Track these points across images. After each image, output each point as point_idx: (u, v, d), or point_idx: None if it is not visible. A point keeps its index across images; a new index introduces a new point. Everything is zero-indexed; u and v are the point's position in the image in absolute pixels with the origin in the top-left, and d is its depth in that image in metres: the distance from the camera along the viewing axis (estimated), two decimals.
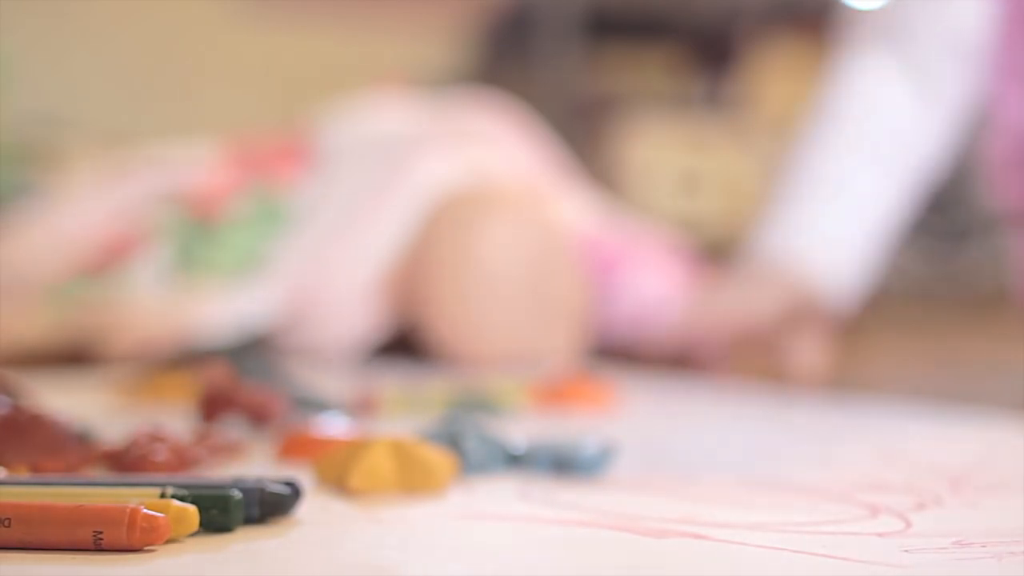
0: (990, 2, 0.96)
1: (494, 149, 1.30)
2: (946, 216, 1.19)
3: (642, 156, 2.56)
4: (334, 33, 2.89)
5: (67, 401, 0.76)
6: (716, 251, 1.90)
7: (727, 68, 2.76)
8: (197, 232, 1.21)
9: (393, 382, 0.96)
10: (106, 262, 1.20)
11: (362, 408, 0.78)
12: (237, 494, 0.45)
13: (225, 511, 0.45)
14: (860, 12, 1.01)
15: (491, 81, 2.28)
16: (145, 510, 0.42)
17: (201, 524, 0.44)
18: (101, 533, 0.41)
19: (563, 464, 0.59)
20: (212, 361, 0.86)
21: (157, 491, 0.45)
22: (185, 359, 1.02)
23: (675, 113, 2.66)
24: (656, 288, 1.29)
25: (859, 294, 0.93)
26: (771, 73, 2.67)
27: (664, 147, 2.57)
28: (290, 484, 0.48)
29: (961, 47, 0.96)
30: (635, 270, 1.28)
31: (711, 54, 2.77)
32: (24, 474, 0.53)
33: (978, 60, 0.96)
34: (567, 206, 1.32)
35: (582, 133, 2.50)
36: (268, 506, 0.47)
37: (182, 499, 0.45)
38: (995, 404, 0.87)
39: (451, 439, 0.59)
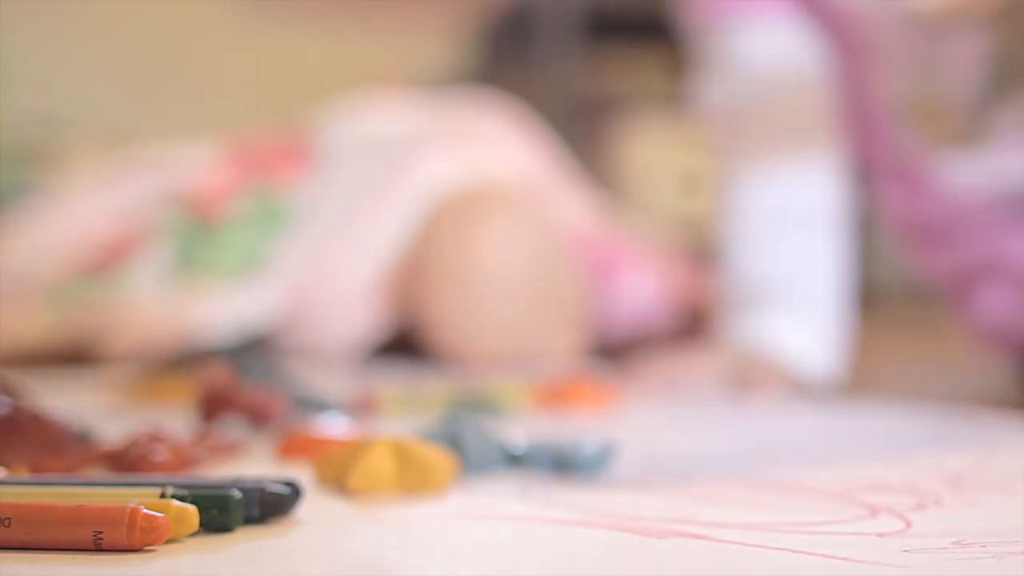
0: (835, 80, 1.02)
1: (494, 149, 1.30)
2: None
3: (642, 156, 2.56)
4: (334, 33, 2.88)
5: (67, 401, 0.76)
6: (716, 251, 1.90)
7: None
8: (197, 232, 1.21)
9: (393, 382, 0.96)
10: (106, 262, 1.20)
11: (362, 408, 0.78)
12: (237, 494, 0.45)
13: (225, 511, 0.45)
14: (709, 116, 1.07)
15: (491, 81, 2.28)
16: (145, 510, 0.42)
17: (201, 524, 0.44)
18: (101, 533, 0.41)
19: (563, 464, 0.59)
20: (212, 361, 0.86)
21: (157, 491, 0.45)
22: (185, 359, 1.02)
23: (675, 113, 2.65)
24: (655, 288, 1.29)
25: (839, 364, 0.99)
26: None
27: (664, 147, 2.57)
28: (290, 484, 0.48)
29: (816, 113, 1.02)
30: (635, 270, 1.28)
31: None
32: (24, 474, 0.53)
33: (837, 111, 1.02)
34: (567, 206, 1.32)
35: (582, 133, 2.50)
36: (268, 506, 0.47)
37: (182, 499, 0.44)
38: (995, 404, 0.87)
39: (451, 439, 0.59)
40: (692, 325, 1.27)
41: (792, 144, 1.00)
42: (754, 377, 0.96)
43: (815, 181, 1.01)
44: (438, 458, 0.55)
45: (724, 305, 1.03)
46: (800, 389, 0.96)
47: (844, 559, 0.43)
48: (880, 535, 0.47)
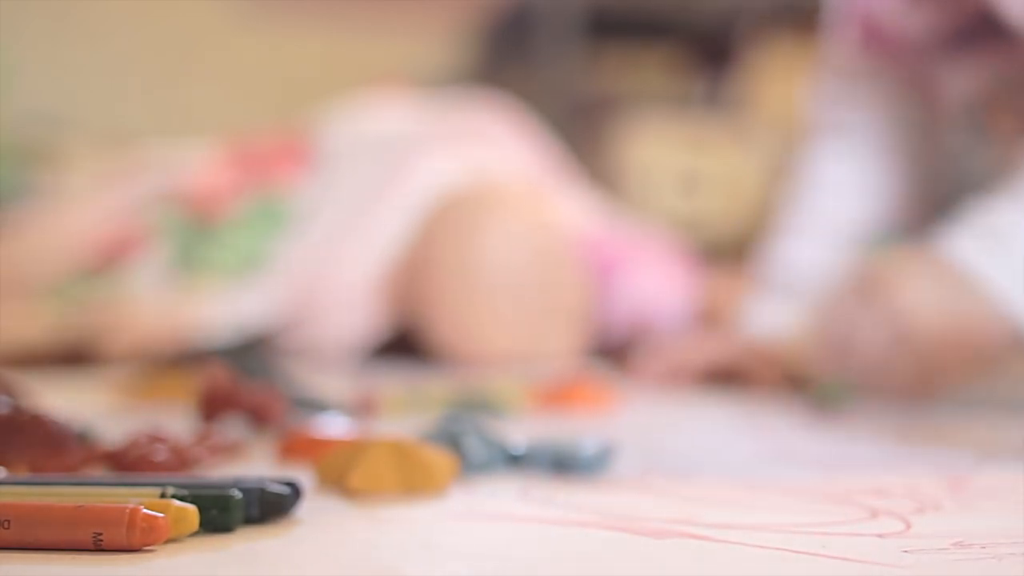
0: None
1: (494, 149, 1.30)
2: (947, 215, 1.21)
3: (642, 156, 2.56)
4: (334, 33, 2.88)
5: (67, 401, 0.76)
6: (716, 251, 1.90)
7: (727, 68, 2.76)
8: (197, 232, 1.21)
9: (393, 382, 0.96)
10: (106, 262, 1.20)
11: (362, 408, 0.78)
12: (237, 494, 0.45)
13: (225, 511, 0.45)
14: (809, 107, 1.10)
15: (491, 81, 2.28)
16: (145, 510, 0.42)
17: (201, 524, 0.44)
18: (101, 533, 0.41)
19: (563, 464, 0.59)
20: (212, 361, 0.86)
21: (157, 491, 0.45)
22: (185, 359, 1.02)
23: (675, 113, 2.66)
24: (656, 288, 1.29)
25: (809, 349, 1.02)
26: (771, 73, 2.66)
27: (664, 147, 2.57)
28: (290, 484, 0.48)
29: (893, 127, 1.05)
30: (635, 270, 1.28)
31: (711, 54, 2.76)
32: (24, 474, 0.53)
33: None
34: (567, 206, 1.32)
35: (582, 133, 2.50)
36: (268, 506, 0.47)
37: (182, 499, 0.44)
38: (995, 405, 0.87)
39: (451, 439, 0.59)
40: (694, 324, 1.27)
41: (870, 156, 1.04)
42: (753, 368, 0.98)
43: (871, 195, 1.04)
44: (438, 458, 0.55)
45: (751, 283, 1.06)
46: (798, 384, 0.97)
47: (843, 559, 0.43)
48: (880, 536, 0.47)
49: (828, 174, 1.04)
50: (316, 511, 0.49)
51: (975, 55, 0.96)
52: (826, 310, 0.88)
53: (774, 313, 1.01)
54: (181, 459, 0.57)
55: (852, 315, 0.84)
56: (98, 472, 0.56)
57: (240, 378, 0.75)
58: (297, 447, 0.61)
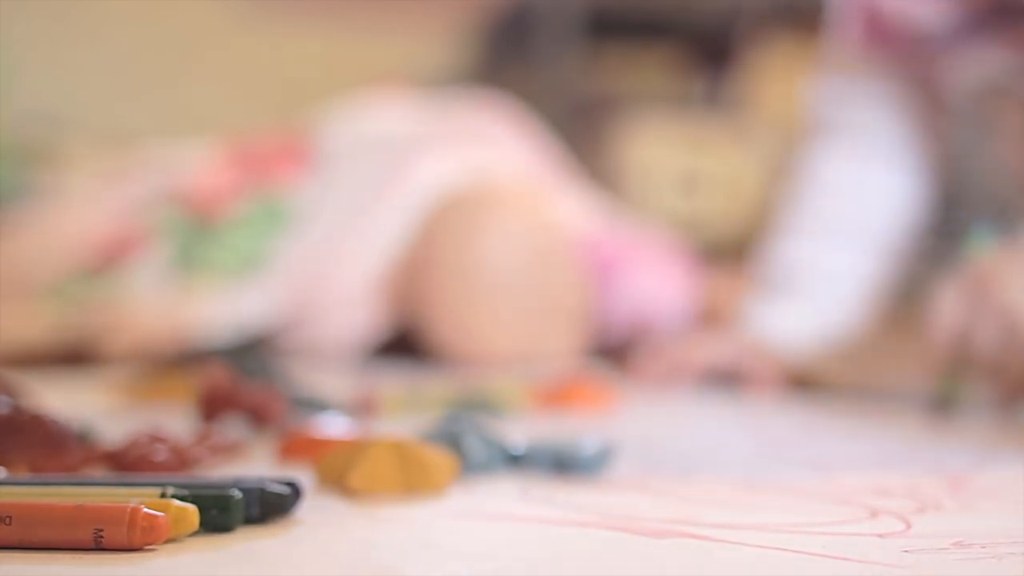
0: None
1: (494, 149, 1.30)
2: (947, 215, 1.21)
3: (642, 156, 2.56)
4: (334, 33, 2.88)
5: (67, 401, 0.76)
6: (716, 251, 1.90)
7: (727, 68, 2.76)
8: (197, 232, 1.20)
9: (393, 382, 0.96)
10: (106, 262, 1.20)
11: (362, 408, 0.78)
12: (237, 494, 0.45)
13: (225, 511, 0.45)
14: (810, 106, 1.09)
15: (491, 81, 2.28)
16: (145, 509, 0.42)
17: (201, 524, 0.44)
18: (102, 531, 0.41)
19: (563, 464, 0.59)
20: (212, 361, 0.86)
21: (157, 491, 0.45)
22: (185, 359, 1.02)
23: (675, 113, 2.66)
24: (656, 288, 1.29)
25: (817, 352, 1.02)
26: (771, 73, 2.66)
27: (664, 147, 2.57)
28: (290, 484, 0.48)
29: (898, 123, 1.04)
30: (635, 270, 1.28)
31: (711, 54, 2.76)
32: (24, 474, 0.53)
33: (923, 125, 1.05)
34: (567, 206, 1.31)
35: (582, 133, 2.50)
36: (268, 506, 0.47)
37: (182, 499, 0.45)
38: (994, 405, 0.87)
39: (451, 439, 0.59)
40: (694, 324, 1.27)
41: (876, 157, 1.04)
42: (752, 370, 0.98)
43: (882, 194, 1.03)
44: (438, 458, 0.55)
45: (752, 283, 1.06)
46: (798, 385, 0.97)
47: (843, 559, 0.43)
48: (880, 536, 0.47)
49: (829, 173, 1.04)
50: (316, 511, 0.49)
51: (986, 43, 0.95)
52: (938, 310, 0.86)
53: (774, 314, 1.02)
54: (181, 459, 0.57)
55: (967, 314, 0.83)
56: (98, 472, 0.56)
57: (240, 378, 0.75)
58: (297, 447, 0.61)
